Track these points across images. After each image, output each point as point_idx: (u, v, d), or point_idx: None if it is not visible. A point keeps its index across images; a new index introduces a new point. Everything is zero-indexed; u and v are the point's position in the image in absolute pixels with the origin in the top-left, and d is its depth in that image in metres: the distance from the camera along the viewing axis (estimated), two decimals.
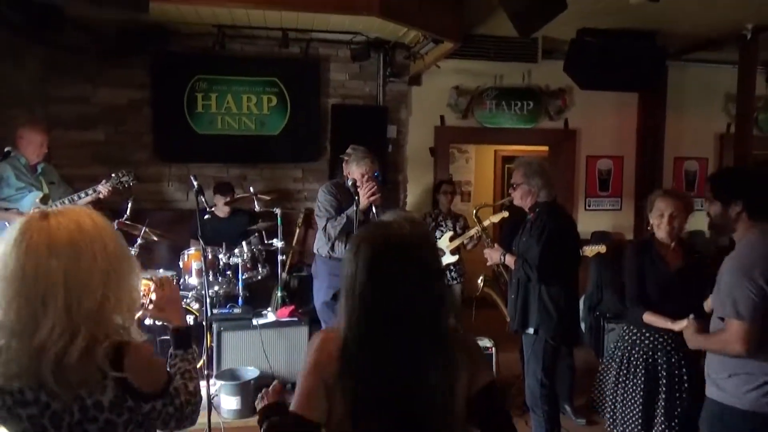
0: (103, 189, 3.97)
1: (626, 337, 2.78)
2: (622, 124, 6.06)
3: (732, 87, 5.18)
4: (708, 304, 2.49)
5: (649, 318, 2.64)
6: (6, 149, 3.96)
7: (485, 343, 4.12)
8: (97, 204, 4.01)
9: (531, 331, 3.13)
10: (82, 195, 3.98)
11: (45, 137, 4.06)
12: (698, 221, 6.25)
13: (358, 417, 1.28)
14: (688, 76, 5.96)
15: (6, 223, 3.83)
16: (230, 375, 3.72)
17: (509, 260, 3.25)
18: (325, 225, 3.57)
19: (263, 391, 1.51)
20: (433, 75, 5.45)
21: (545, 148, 6.29)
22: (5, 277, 1.21)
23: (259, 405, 1.46)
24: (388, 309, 1.29)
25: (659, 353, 2.65)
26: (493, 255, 3.40)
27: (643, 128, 6.02)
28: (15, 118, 4.32)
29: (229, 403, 3.53)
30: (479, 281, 3.96)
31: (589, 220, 5.93)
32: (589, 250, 3.71)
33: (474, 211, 4.02)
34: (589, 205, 6.10)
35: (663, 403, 2.61)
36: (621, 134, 6.06)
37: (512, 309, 3.27)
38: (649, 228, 2.76)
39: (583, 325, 4.86)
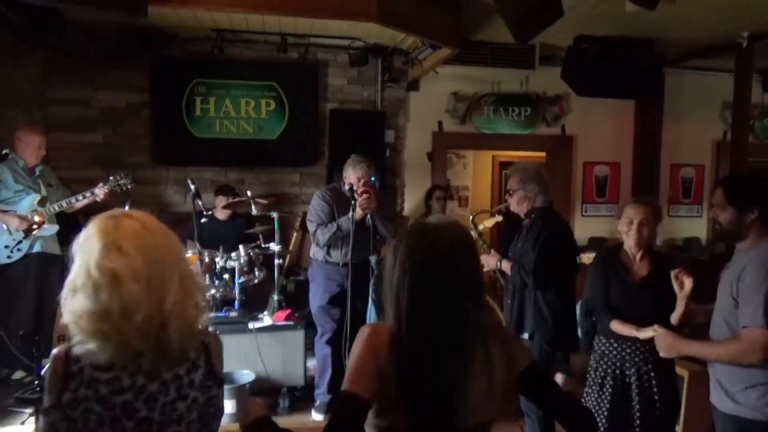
0: (99, 192, 3.98)
1: (596, 348, 2.72)
2: (619, 131, 6.08)
3: (729, 94, 5.20)
4: (675, 317, 2.36)
5: (616, 326, 2.58)
6: (4, 152, 3.97)
7: None
8: (94, 206, 4.03)
9: (526, 336, 3.13)
10: (80, 198, 3.99)
11: (43, 139, 4.07)
12: (694, 228, 6.35)
13: (404, 405, 1.34)
14: (685, 84, 6.00)
15: (3, 225, 3.83)
16: (226, 378, 3.71)
17: (505, 266, 3.26)
18: (315, 230, 3.58)
19: (249, 403, 1.51)
20: (431, 81, 5.48)
21: (542, 154, 6.31)
22: (118, 268, 1.24)
23: (244, 422, 1.46)
24: (420, 309, 1.34)
25: (627, 364, 2.59)
26: (489, 261, 3.41)
27: (639, 135, 6.04)
28: (14, 120, 4.33)
29: (225, 406, 3.53)
30: None
31: (585, 226, 5.95)
32: (586, 257, 3.72)
33: (471, 217, 4.03)
34: (586, 211, 6.11)
35: (638, 415, 2.54)
36: (618, 141, 6.09)
37: (508, 314, 3.27)
38: (618, 236, 2.71)
39: (579, 331, 4.86)
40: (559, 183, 5.80)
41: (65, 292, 1.27)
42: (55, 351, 1.30)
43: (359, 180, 3.48)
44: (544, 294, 3.09)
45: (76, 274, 1.26)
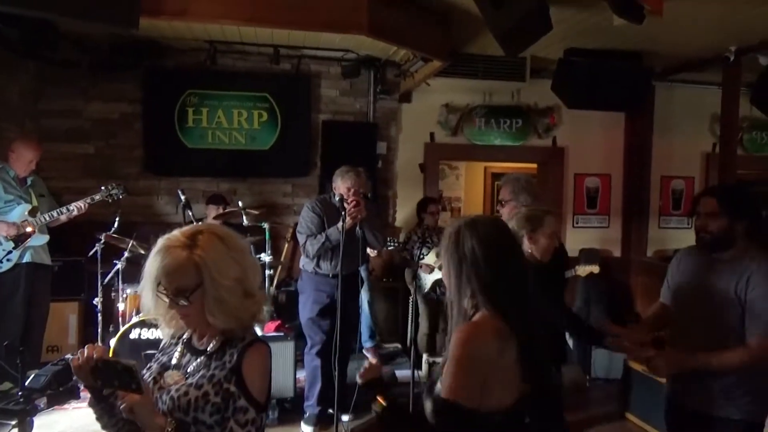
0: (76, 206, 3.96)
1: None
2: (610, 143, 6.13)
3: (718, 107, 5.22)
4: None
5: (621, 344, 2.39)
6: None
7: None
8: (82, 217, 4.02)
9: None
10: (64, 210, 3.97)
11: (37, 154, 4.06)
12: (684, 239, 6.36)
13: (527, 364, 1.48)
14: (675, 96, 6.05)
15: None
16: None
17: None
18: (305, 242, 3.58)
19: (365, 364, 1.61)
20: (423, 92, 5.51)
21: (534, 165, 6.35)
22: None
23: (360, 381, 1.59)
24: (518, 287, 1.52)
25: None
26: None
27: (630, 147, 6.10)
28: (6, 131, 4.33)
29: None
30: None
31: (577, 237, 5.97)
32: (582, 270, 3.66)
33: None
34: (577, 222, 6.14)
35: None
36: (609, 153, 6.13)
37: None
38: (529, 249, 2.54)
39: (570, 342, 4.86)
40: (550, 194, 5.82)
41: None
42: (258, 348, 1.47)
43: (349, 190, 3.48)
44: None
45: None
